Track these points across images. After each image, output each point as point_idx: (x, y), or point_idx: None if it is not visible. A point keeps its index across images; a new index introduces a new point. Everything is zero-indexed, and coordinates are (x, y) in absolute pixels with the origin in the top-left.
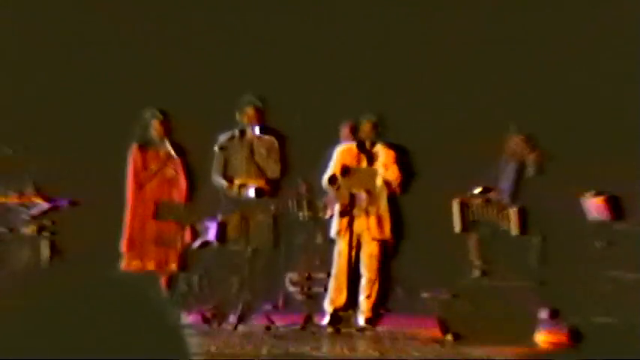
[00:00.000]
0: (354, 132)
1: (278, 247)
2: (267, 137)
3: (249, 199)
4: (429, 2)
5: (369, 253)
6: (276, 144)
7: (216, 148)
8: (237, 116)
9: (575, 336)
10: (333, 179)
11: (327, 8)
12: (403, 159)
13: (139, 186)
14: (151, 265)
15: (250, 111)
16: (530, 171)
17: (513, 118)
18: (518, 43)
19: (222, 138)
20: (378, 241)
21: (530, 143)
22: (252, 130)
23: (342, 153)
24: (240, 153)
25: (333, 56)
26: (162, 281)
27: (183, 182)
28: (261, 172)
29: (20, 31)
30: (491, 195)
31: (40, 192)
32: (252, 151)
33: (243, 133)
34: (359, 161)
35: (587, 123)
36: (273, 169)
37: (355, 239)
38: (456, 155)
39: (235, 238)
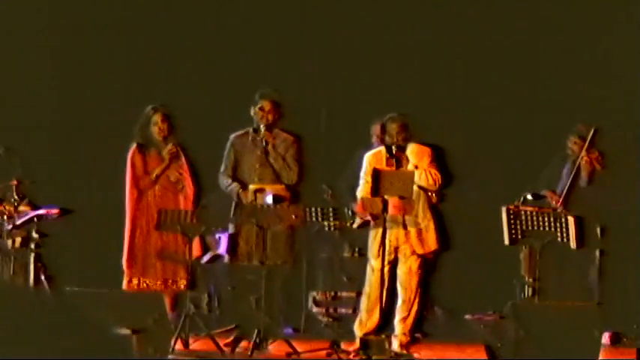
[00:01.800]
0: (383, 134)
1: (299, 261)
2: (284, 135)
3: (266, 207)
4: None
5: (406, 268)
6: (295, 144)
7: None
8: (252, 112)
9: None
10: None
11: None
12: (440, 159)
13: (140, 192)
14: (155, 284)
15: (266, 105)
16: (584, 175)
17: (570, 115)
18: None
19: (234, 136)
20: (417, 256)
21: (588, 143)
22: (268, 127)
23: (371, 159)
24: (254, 154)
25: (358, 51)
26: (167, 301)
27: (190, 187)
28: (276, 176)
29: (13, 28)
30: (545, 202)
31: (25, 198)
32: (266, 152)
33: (257, 131)
34: (388, 166)
35: None
36: (290, 173)
37: (390, 254)
38: (503, 156)
39: (250, 251)
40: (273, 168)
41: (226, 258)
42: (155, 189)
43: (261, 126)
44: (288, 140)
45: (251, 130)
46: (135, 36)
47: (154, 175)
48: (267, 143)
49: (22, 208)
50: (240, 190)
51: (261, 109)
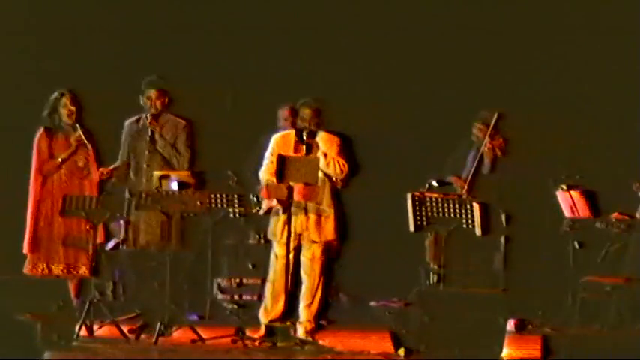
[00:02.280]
0: (293, 117)
1: (204, 248)
2: (174, 121)
3: (170, 194)
4: None
5: (309, 255)
6: (187, 129)
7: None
8: (141, 101)
9: (545, 349)
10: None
11: None
12: (348, 148)
13: (45, 177)
14: (58, 269)
15: (153, 93)
16: (487, 162)
17: (474, 101)
18: (480, 21)
19: (127, 122)
20: (320, 243)
21: (490, 129)
22: (154, 116)
23: (278, 141)
24: (143, 140)
25: (266, 32)
26: (71, 288)
27: (95, 173)
28: (165, 163)
29: None
30: (451, 188)
31: None
32: (153, 139)
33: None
34: (297, 151)
35: (559, 106)
36: (181, 159)
37: (294, 240)
38: (408, 143)
39: (153, 238)
40: (162, 155)
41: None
42: (60, 174)
43: (148, 114)
44: (178, 125)
45: (143, 116)
46: (44, 17)
47: (60, 159)
48: (152, 132)
49: None
50: (133, 176)
51: (148, 97)
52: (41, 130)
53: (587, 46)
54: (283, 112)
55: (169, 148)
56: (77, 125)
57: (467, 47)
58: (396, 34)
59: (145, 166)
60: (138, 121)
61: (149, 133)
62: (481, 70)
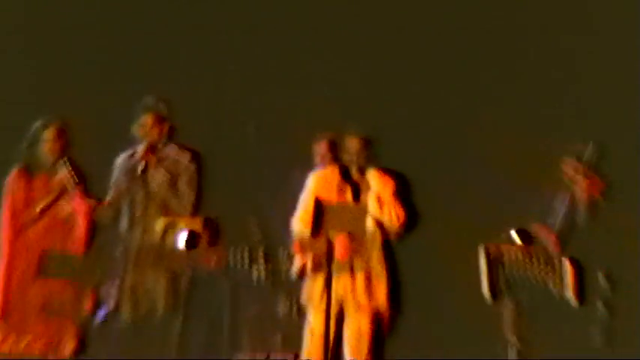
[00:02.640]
0: (332, 153)
1: (220, 318)
2: (177, 153)
3: (176, 250)
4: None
5: (355, 328)
6: (193, 163)
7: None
8: (134, 129)
9: None
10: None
11: None
12: (405, 191)
13: (20, 229)
14: (36, 345)
15: (149, 120)
16: (582, 207)
17: (565, 131)
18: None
19: (120, 158)
20: (369, 311)
21: (589, 166)
22: (151, 147)
23: (319, 181)
24: (135, 179)
25: (301, 39)
26: None
27: (83, 224)
28: (163, 207)
29: None
30: (535, 242)
31: None
32: (145, 177)
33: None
34: (341, 194)
35: None
36: (182, 202)
37: (336, 308)
38: (480, 184)
39: (157, 306)
40: (160, 198)
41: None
42: (39, 225)
43: (142, 145)
44: (181, 159)
45: (132, 150)
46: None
47: (39, 208)
48: (146, 166)
49: None
50: (126, 225)
51: (142, 125)
52: (15, 169)
53: None
54: (321, 146)
55: (166, 187)
56: (64, 162)
57: (555, 66)
58: (466, 51)
59: (139, 212)
60: (132, 155)
61: (142, 169)
62: (572, 96)
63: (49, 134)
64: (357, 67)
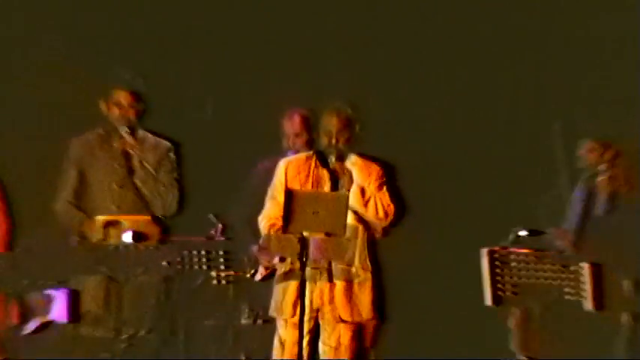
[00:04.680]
0: (309, 132)
1: (175, 330)
2: (154, 141)
3: (122, 249)
4: None
5: (334, 342)
6: (171, 153)
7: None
8: (103, 107)
9: None
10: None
11: None
12: (392, 181)
13: None
14: None
15: (125, 97)
16: (603, 199)
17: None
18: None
19: (77, 140)
20: (350, 323)
21: (608, 151)
22: (131, 130)
23: (290, 169)
24: (110, 169)
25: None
26: None
27: (2, 224)
28: (143, 202)
29: None
30: (547, 241)
31: None
32: (130, 167)
33: (108, 135)
34: (318, 183)
35: None
36: (167, 198)
37: (311, 319)
38: (481, 175)
39: (99, 315)
40: (139, 190)
41: (63, 326)
42: None
43: (121, 128)
44: (161, 148)
45: (102, 131)
46: None
47: None
48: (128, 154)
49: None
50: (87, 223)
51: (117, 103)
52: None
53: None
54: (293, 124)
55: (152, 180)
56: None
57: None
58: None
59: (113, 206)
60: (98, 137)
61: (125, 157)
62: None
63: None
64: (337, 32)
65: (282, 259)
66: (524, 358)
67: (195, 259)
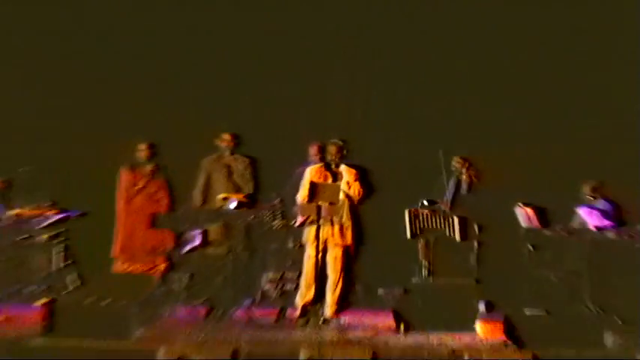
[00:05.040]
0: (322, 153)
1: (256, 251)
2: (242, 158)
3: (230, 211)
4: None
5: (333, 256)
6: (250, 165)
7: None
8: (218, 141)
9: (509, 325)
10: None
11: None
12: (364, 177)
13: (128, 200)
14: (139, 268)
15: (227, 137)
16: (464, 186)
17: (453, 141)
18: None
19: (206, 160)
20: (341, 246)
21: (466, 162)
22: (232, 153)
23: (312, 172)
24: (221, 172)
25: (301, 81)
26: (155, 280)
27: (165, 197)
28: (238, 188)
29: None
30: (437, 206)
31: (53, 205)
32: (229, 171)
33: (220, 156)
34: (325, 179)
35: (516, 146)
36: (249, 185)
37: (322, 245)
38: (408, 173)
39: (219, 242)
40: (235, 182)
41: (200, 249)
42: (139, 198)
43: (226, 152)
44: (245, 162)
45: (215, 155)
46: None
47: (137, 188)
48: (229, 165)
49: (50, 212)
50: (201, 199)
51: (224, 140)
52: (125, 167)
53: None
54: (313, 149)
55: (240, 177)
56: (151, 161)
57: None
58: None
59: (223, 190)
60: (217, 158)
61: (227, 166)
62: (454, 118)
63: (141, 147)
64: (339, 99)
65: (308, 216)
66: (426, 262)
67: (266, 215)
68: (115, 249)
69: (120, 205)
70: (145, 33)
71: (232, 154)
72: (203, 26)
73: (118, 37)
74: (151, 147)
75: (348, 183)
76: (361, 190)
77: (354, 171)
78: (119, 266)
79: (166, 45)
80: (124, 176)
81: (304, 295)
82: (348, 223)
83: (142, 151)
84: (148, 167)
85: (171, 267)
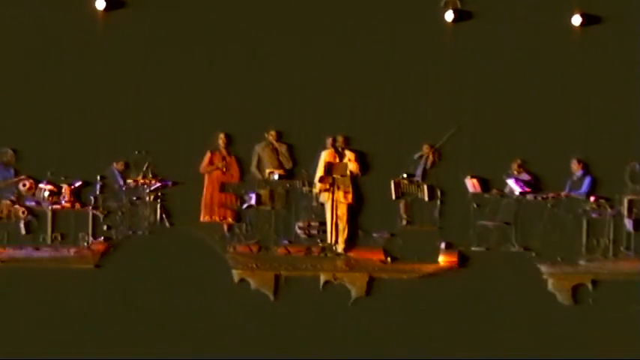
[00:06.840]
0: (333, 142)
1: (291, 207)
2: (284, 145)
3: (273, 180)
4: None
5: (342, 210)
6: (289, 149)
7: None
8: (266, 135)
9: (462, 258)
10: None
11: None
12: (362, 158)
13: (209, 173)
14: (216, 219)
15: (272, 132)
16: (429, 164)
17: (422, 133)
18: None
19: (257, 146)
20: (346, 204)
21: (432, 148)
22: (278, 140)
23: (326, 155)
24: (270, 154)
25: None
26: (224, 228)
27: (235, 171)
28: (281, 164)
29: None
30: (413, 178)
31: (155, 176)
32: (277, 153)
33: (267, 143)
34: (335, 159)
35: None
36: (288, 163)
37: (335, 204)
38: (393, 156)
39: (266, 203)
40: (280, 161)
41: (255, 206)
42: (218, 172)
43: (273, 142)
44: (285, 147)
45: (264, 142)
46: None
47: (216, 166)
48: (275, 148)
49: (154, 181)
50: (259, 173)
51: (270, 134)
52: (208, 151)
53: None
54: (329, 140)
55: (284, 157)
56: (227, 148)
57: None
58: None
59: (271, 166)
60: (266, 145)
61: (275, 150)
62: (427, 113)
63: (220, 136)
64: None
65: (326, 185)
66: (405, 215)
67: (298, 184)
68: (201, 206)
69: (206, 177)
70: (233, 39)
71: (278, 141)
72: (271, 33)
73: (206, 43)
74: (227, 137)
75: (350, 160)
76: (359, 167)
77: (353, 154)
78: (203, 217)
79: (249, 52)
80: (206, 157)
81: (325, 237)
82: (350, 188)
83: (220, 139)
84: (224, 151)
85: (236, 218)
